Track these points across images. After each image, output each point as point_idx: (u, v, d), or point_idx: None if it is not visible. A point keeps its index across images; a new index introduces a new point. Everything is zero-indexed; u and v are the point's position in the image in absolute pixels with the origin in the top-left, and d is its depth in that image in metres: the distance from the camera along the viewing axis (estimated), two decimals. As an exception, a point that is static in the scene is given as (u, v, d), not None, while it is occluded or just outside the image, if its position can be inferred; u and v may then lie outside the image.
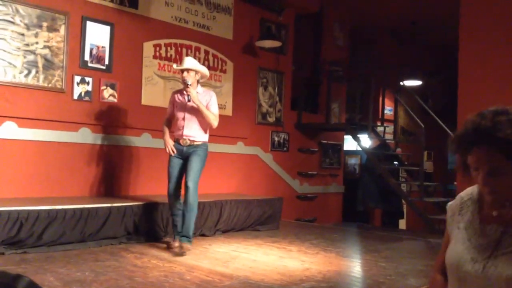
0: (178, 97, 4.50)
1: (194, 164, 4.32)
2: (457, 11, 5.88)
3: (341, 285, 3.43)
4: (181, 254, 4.17)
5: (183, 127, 4.41)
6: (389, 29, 9.71)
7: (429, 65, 10.73)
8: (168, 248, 4.40)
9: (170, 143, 4.43)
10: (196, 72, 4.40)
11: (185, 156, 4.41)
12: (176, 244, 4.35)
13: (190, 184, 4.26)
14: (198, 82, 4.45)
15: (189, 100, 4.34)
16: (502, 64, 5.49)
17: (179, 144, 4.43)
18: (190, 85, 4.31)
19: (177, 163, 4.43)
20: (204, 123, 4.43)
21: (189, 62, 4.41)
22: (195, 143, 4.40)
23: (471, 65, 5.71)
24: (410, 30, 9.43)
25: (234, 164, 6.84)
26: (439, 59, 10.85)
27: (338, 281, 3.53)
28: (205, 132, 4.48)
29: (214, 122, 4.42)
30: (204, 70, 4.56)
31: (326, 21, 8.63)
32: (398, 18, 9.07)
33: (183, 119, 4.43)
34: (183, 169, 4.40)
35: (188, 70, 4.35)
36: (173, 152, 4.40)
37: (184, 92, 4.37)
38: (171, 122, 4.60)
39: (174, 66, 4.67)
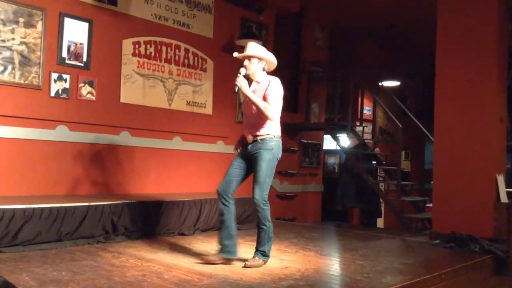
0: None
1: (258, 173, 3.78)
2: (434, 14, 5.98)
3: (319, 283, 3.45)
4: (245, 265, 3.74)
5: (244, 121, 3.98)
6: (368, 31, 9.82)
7: (408, 67, 10.88)
8: (206, 261, 3.86)
9: (237, 142, 4.03)
10: (260, 59, 3.89)
11: (249, 156, 3.88)
12: (213, 257, 3.85)
13: (255, 196, 3.78)
14: (264, 69, 3.94)
15: (234, 91, 3.83)
16: (478, 67, 5.60)
17: (246, 141, 3.92)
18: (242, 75, 3.81)
19: (237, 161, 3.95)
20: (263, 115, 3.82)
21: (251, 48, 3.87)
22: (259, 137, 3.82)
23: (447, 67, 5.82)
24: (389, 32, 9.55)
25: (214, 163, 6.82)
26: (417, 61, 11.01)
27: (316, 279, 3.55)
28: (265, 124, 3.83)
29: (267, 112, 3.75)
30: (270, 56, 3.93)
31: (306, 22, 8.68)
32: (377, 21, 9.18)
33: (244, 112, 3.98)
34: (243, 171, 3.93)
35: (249, 57, 3.88)
36: (237, 149, 4.00)
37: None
38: None
39: (235, 54, 4.04)
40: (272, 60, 3.96)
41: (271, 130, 3.86)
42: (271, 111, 3.77)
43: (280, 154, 3.94)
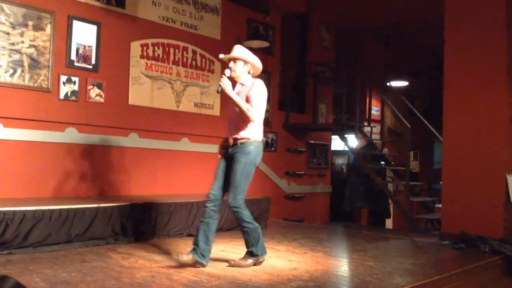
0: None
1: (233, 176, 3.77)
2: (442, 13, 5.95)
3: (328, 284, 3.44)
4: (229, 264, 3.81)
5: (227, 123, 3.96)
6: (375, 31, 9.79)
7: (414, 66, 10.82)
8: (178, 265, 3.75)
9: (220, 145, 4.04)
10: (245, 62, 3.91)
11: (229, 158, 3.89)
12: (185, 258, 3.69)
13: (228, 199, 3.76)
14: (249, 73, 3.96)
15: (218, 91, 3.82)
16: (486, 65, 5.56)
17: (228, 144, 3.93)
18: (227, 76, 3.81)
19: (221, 163, 3.94)
20: (245, 117, 3.81)
21: (237, 50, 3.90)
22: (238, 141, 3.83)
23: (456, 66, 5.78)
24: (396, 31, 9.52)
25: (221, 164, 6.82)
26: (424, 61, 10.95)
27: (325, 280, 3.54)
28: (247, 127, 3.82)
29: (250, 114, 3.75)
30: (255, 60, 3.94)
31: (312, 23, 8.67)
32: (383, 20, 9.15)
33: (227, 114, 3.97)
34: (226, 173, 3.88)
35: (235, 59, 3.92)
36: (219, 154, 3.99)
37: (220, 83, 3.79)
38: None
39: (221, 55, 4.03)
40: (257, 64, 3.97)
41: (251, 134, 3.84)
42: (254, 113, 3.77)
43: (258, 159, 3.93)
